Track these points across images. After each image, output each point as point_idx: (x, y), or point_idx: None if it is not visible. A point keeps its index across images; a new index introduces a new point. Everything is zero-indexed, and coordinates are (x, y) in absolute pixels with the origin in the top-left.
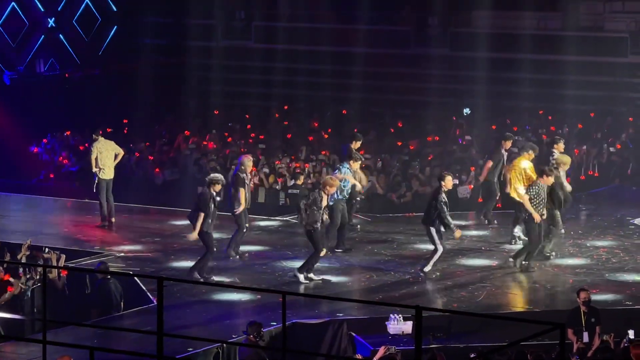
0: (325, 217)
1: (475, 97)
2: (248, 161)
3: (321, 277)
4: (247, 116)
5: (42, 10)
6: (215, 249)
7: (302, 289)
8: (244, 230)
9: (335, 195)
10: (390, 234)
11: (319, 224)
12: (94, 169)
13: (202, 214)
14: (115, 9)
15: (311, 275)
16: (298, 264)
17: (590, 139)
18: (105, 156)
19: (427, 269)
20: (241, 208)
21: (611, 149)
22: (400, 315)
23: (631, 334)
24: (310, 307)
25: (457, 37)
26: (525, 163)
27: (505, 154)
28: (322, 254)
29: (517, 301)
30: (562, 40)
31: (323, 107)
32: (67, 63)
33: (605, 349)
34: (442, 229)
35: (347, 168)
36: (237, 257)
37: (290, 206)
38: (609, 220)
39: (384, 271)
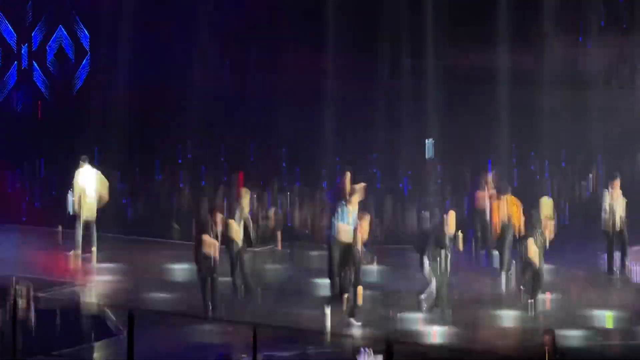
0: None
1: (446, 130)
2: (245, 193)
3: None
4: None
5: (15, 36)
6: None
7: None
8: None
9: (333, 231)
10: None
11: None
12: (75, 201)
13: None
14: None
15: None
16: (273, 297)
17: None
18: (88, 185)
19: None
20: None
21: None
22: (371, 349)
23: None
24: (283, 341)
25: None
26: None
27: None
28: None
29: (491, 337)
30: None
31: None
32: (41, 101)
33: None
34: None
35: (343, 206)
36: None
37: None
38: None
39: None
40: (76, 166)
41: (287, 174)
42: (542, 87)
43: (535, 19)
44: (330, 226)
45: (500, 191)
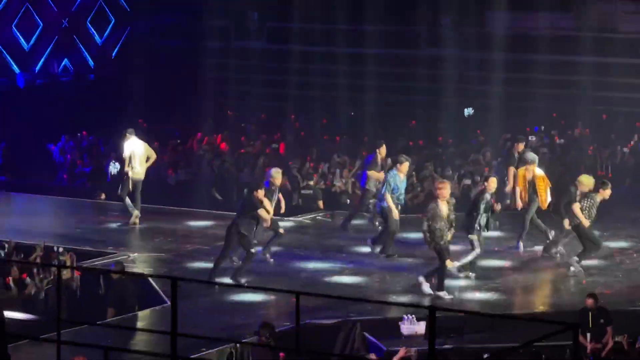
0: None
1: (488, 98)
2: (277, 174)
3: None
4: (262, 116)
5: (56, 10)
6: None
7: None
8: (279, 233)
9: (383, 202)
10: (402, 235)
11: (444, 239)
12: (126, 168)
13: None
14: (129, 10)
15: (441, 293)
16: (311, 263)
17: (603, 139)
18: (136, 155)
19: (458, 264)
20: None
21: (625, 150)
22: (413, 316)
23: None
24: (324, 308)
25: (469, 37)
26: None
27: (517, 157)
28: (449, 265)
29: (530, 302)
30: (576, 41)
31: (336, 108)
32: (80, 65)
33: (619, 349)
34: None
35: (395, 175)
36: (270, 259)
37: (302, 207)
38: (622, 221)
39: (398, 272)
40: (119, 137)
41: (327, 143)
42: (583, 50)
43: None
44: (380, 197)
45: (525, 161)
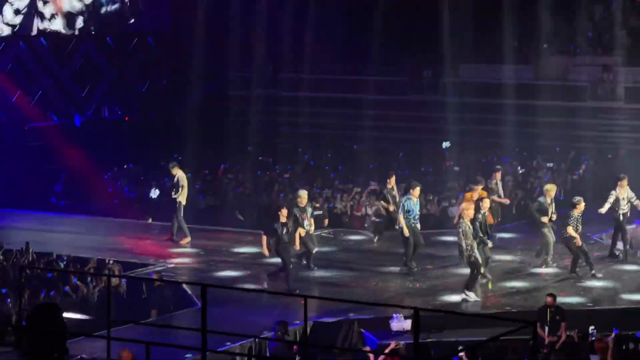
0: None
1: (463, 135)
2: (303, 194)
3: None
4: (276, 151)
5: (106, 64)
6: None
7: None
8: (313, 251)
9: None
10: (392, 248)
11: (475, 251)
12: (180, 196)
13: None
14: (166, 64)
15: (471, 294)
16: (319, 272)
17: (558, 170)
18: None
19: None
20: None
21: (574, 177)
22: (401, 315)
23: (591, 329)
24: (328, 309)
25: (446, 86)
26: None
27: (499, 184)
28: (482, 270)
29: (498, 303)
30: (535, 88)
31: (339, 143)
32: (126, 109)
33: (571, 342)
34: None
35: (409, 199)
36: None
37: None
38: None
39: (388, 278)
40: (160, 168)
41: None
42: (540, 96)
43: (536, 40)
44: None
45: (475, 183)
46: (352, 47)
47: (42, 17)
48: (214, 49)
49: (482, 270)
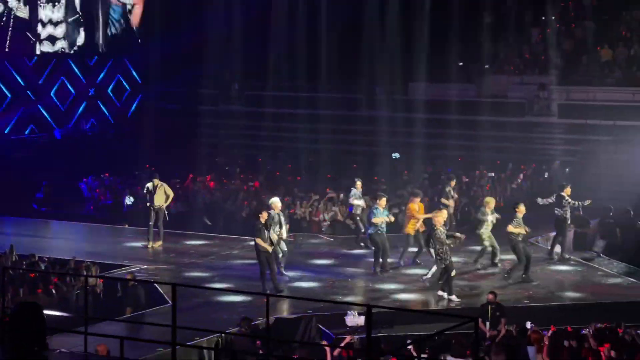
0: (449, 241)
1: (412, 147)
2: (275, 201)
3: (454, 298)
4: (241, 162)
5: (84, 82)
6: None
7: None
8: (281, 255)
9: (371, 230)
10: (348, 250)
11: (448, 255)
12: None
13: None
14: (140, 81)
15: (452, 297)
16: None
17: (498, 179)
18: (156, 193)
19: (428, 276)
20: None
21: (513, 186)
22: (355, 312)
23: (528, 324)
24: (289, 306)
25: (397, 102)
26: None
27: (448, 191)
28: (453, 274)
29: (444, 301)
30: (477, 105)
31: (298, 155)
32: (103, 123)
33: (510, 336)
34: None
35: (376, 208)
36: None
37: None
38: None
39: (343, 279)
40: (133, 177)
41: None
42: (482, 112)
43: (478, 61)
44: (368, 227)
45: (415, 195)
46: (311, 67)
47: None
48: (185, 67)
49: (453, 272)
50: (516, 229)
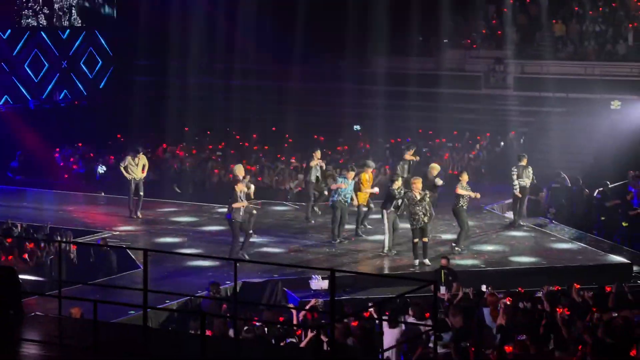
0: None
1: (374, 118)
2: (238, 169)
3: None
4: (208, 132)
5: (57, 54)
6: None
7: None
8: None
9: (335, 197)
10: (312, 217)
11: (420, 221)
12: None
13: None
14: (112, 54)
15: (416, 261)
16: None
17: (455, 148)
18: (134, 165)
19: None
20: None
21: (470, 156)
22: (319, 276)
23: (484, 287)
24: (256, 271)
25: (360, 75)
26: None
27: (406, 161)
28: (415, 240)
29: (404, 265)
30: (436, 78)
31: (265, 125)
32: (76, 94)
33: (467, 298)
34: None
35: (344, 177)
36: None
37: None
38: (469, 207)
39: (308, 244)
40: (105, 146)
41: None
42: (440, 84)
43: (438, 35)
44: (333, 194)
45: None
46: (278, 40)
47: None
48: (156, 41)
49: (416, 240)
50: (463, 191)
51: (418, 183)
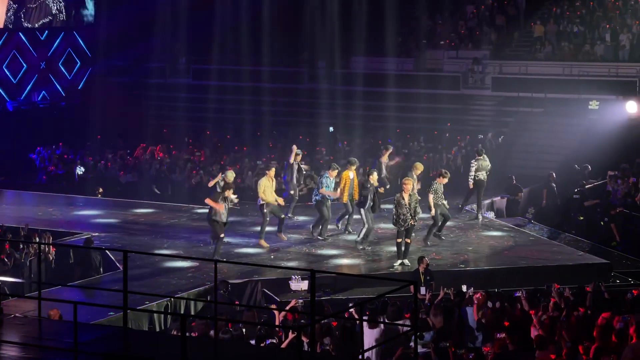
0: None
1: (352, 119)
2: (230, 175)
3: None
4: (188, 137)
5: (36, 55)
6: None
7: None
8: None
9: (319, 197)
10: (292, 217)
11: (406, 223)
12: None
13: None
14: (90, 55)
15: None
16: (226, 238)
17: (435, 149)
18: None
19: (359, 239)
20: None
21: (449, 156)
22: (299, 276)
23: (464, 287)
24: (236, 271)
25: (338, 75)
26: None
27: (382, 162)
28: (399, 241)
29: (384, 266)
30: (414, 78)
31: (243, 127)
32: (54, 95)
33: (447, 299)
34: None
35: (327, 177)
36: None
37: None
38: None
39: (288, 244)
40: (83, 147)
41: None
42: (419, 85)
43: (416, 36)
44: (315, 192)
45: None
46: (254, 41)
47: None
48: (135, 43)
49: (399, 239)
50: (432, 199)
51: (409, 184)
